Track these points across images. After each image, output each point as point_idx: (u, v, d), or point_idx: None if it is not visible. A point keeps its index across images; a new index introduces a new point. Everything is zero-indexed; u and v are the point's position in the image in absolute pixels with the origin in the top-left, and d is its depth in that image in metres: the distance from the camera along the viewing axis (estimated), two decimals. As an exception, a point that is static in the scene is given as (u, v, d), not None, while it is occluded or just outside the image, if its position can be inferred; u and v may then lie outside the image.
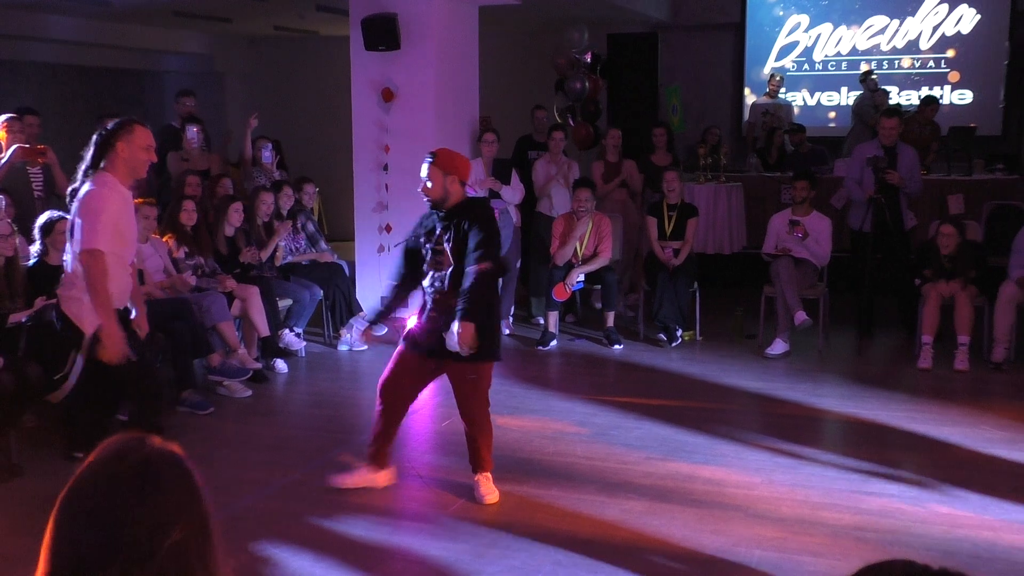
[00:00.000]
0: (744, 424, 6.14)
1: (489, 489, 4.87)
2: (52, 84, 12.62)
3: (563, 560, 4.19)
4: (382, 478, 5.02)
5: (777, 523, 4.55)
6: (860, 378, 7.19)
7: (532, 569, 4.09)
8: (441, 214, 4.72)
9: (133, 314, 4.87)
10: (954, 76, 12.16)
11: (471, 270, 4.56)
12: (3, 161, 6.80)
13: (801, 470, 5.25)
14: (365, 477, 5.00)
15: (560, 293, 8.03)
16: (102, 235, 4.42)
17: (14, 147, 6.82)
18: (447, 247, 4.68)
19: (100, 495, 1.36)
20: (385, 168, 8.19)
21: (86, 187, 4.47)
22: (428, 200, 4.74)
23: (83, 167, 4.53)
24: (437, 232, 4.73)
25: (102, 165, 4.49)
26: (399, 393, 4.96)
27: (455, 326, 4.54)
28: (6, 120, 7.15)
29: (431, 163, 4.68)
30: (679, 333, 8.15)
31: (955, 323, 7.34)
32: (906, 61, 12.37)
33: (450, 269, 4.67)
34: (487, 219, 4.71)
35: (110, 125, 4.52)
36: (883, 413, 6.25)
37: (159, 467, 1.43)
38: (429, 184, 4.68)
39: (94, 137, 4.52)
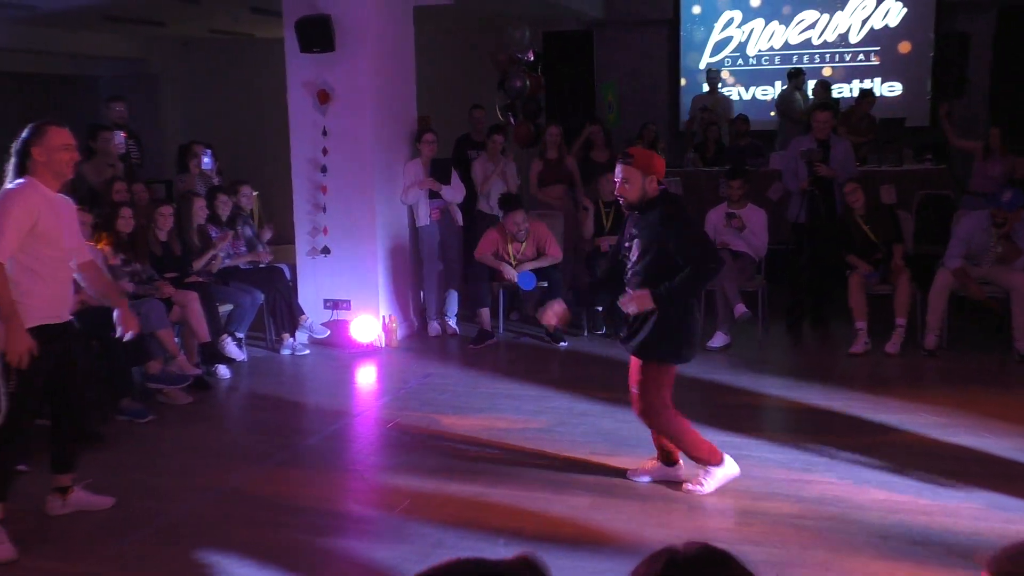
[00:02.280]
0: (686, 416, 6.19)
1: (690, 476, 4.91)
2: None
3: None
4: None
5: (719, 514, 4.63)
6: (799, 368, 7.31)
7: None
8: (636, 213, 4.69)
9: (117, 314, 4.75)
10: (905, 46, 12.30)
11: (690, 271, 4.52)
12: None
13: (742, 461, 5.28)
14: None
15: (508, 274, 8.10)
16: (3, 242, 4.22)
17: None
18: (635, 243, 4.67)
19: None
20: (323, 170, 8.12)
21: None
22: (623, 201, 4.69)
23: (7, 182, 4.40)
24: (633, 231, 4.72)
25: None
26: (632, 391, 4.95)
27: (635, 290, 4.64)
28: None
29: (628, 164, 4.62)
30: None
31: (894, 305, 7.49)
32: (835, 55, 12.60)
33: (637, 263, 4.65)
34: (683, 216, 4.65)
35: (23, 134, 4.38)
36: (822, 401, 6.36)
37: None
38: (627, 184, 4.62)
39: (13, 148, 4.39)
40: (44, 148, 4.34)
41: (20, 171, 4.37)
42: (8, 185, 4.37)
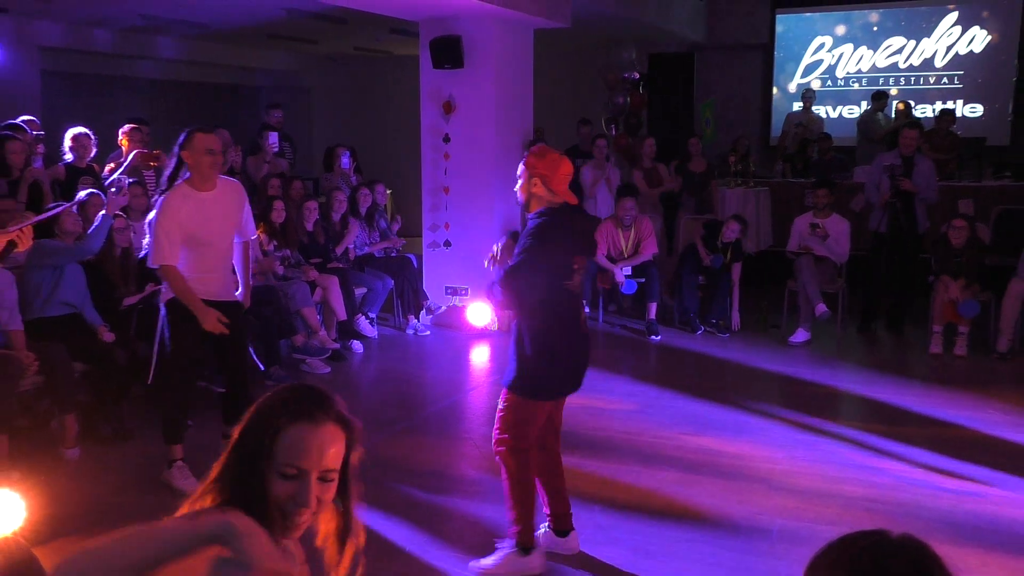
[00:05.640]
0: (768, 404, 6.08)
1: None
2: (158, 98, 12.84)
3: (604, 523, 4.19)
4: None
5: (797, 494, 4.51)
6: (875, 364, 7.08)
7: (578, 529, 4.10)
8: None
9: (239, 292, 4.85)
10: (988, 71, 11.80)
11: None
12: (124, 164, 6.99)
13: (820, 446, 5.18)
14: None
15: (603, 282, 8.09)
16: (165, 250, 4.38)
17: (134, 152, 7.00)
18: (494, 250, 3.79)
19: None
20: (445, 173, 8.23)
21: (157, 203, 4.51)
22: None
23: (164, 176, 4.57)
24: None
25: (183, 176, 4.49)
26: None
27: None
28: (128, 129, 7.34)
29: (523, 159, 3.67)
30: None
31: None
32: (920, 78, 12.13)
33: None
34: (534, 228, 3.58)
35: (179, 138, 4.48)
36: (896, 396, 6.15)
37: None
38: (519, 182, 3.66)
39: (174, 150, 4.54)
40: (191, 152, 4.41)
41: (176, 170, 4.49)
42: (160, 196, 4.51)
